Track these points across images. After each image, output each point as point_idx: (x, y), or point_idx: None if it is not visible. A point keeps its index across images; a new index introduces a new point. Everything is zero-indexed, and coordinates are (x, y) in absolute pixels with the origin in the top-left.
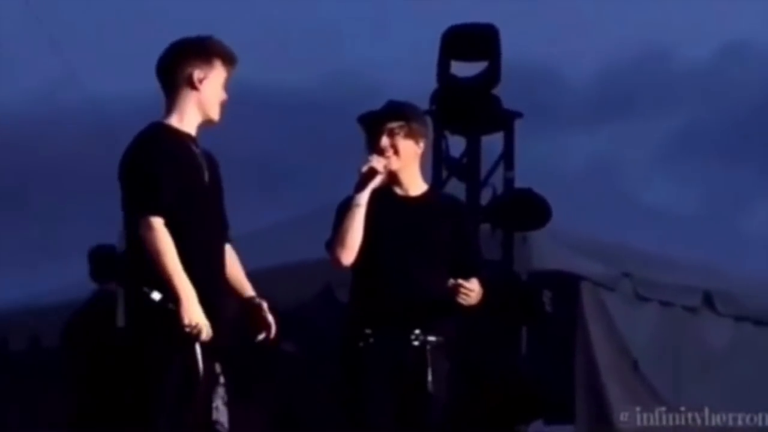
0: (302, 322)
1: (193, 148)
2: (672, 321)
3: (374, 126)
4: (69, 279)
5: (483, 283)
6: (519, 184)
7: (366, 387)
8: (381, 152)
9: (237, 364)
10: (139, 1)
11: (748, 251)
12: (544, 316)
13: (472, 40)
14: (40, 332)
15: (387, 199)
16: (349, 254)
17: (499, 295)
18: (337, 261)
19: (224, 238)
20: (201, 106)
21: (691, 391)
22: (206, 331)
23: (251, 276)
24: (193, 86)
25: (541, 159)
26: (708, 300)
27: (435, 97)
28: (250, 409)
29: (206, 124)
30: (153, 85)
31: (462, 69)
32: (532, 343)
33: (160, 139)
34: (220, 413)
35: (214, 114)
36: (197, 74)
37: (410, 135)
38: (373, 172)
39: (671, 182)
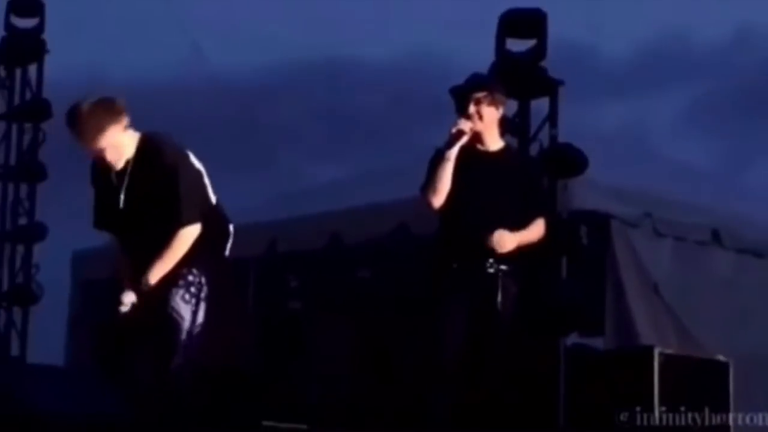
0: (381, 252)
1: (109, 180)
2: (685, 253)
3: (463, 95)
4: None
5: (547, 222)
6: (561, 139)
7: (448, 304)
8: (468, 117)
9: (322, 293)
10: None
11: (749, 195)
12: (581, 248)
13: (524, 21)
14: None
15: (471, 155)
16: (439, 198)
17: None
18: (429, 203)
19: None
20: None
21: (701, 311)
22: None
23: (345, 213)
24: None
25: (580, 119)
26: (715, 235)
27: (493, 69)
28: (336, 326)
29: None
30: (273, 58)
31: (515, 45)
32: (570, 269)
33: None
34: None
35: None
36: None
37: (492, 103)
38: (460, 133)
39: (689, 141)
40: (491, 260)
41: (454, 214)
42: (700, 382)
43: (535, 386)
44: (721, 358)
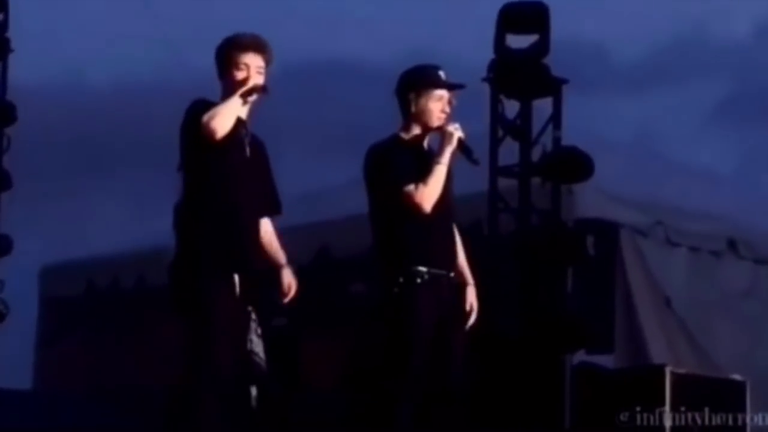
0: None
1: (240, 128)
2: (699, 264)
3: (448, 93)
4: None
5: None
6: (566, 142)
7: (420, 310)
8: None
9: (316, 308)
10: None
11: None
12: (587, 259)
13: (525, 15)
14: (146, 272)
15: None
16: (431, 204)
17: (548, 239)
18: (421, 208)
19: (262, 204)
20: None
21: (715, 326)
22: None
23: (330, 224)
24: (226, 82)
25: (586, 121)
26: (732, 245)
27: (492, 66)
28: (330, 343)
29: (256, 98)
30: None
31: (516, 41)
32: (576, 282)
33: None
34: (254, 344)
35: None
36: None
37: None
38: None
39: (706, 144)
40: (452, 274)
41: (422, 223)
42: (714, 404)
43: (539, 407)
44: (738, 377)
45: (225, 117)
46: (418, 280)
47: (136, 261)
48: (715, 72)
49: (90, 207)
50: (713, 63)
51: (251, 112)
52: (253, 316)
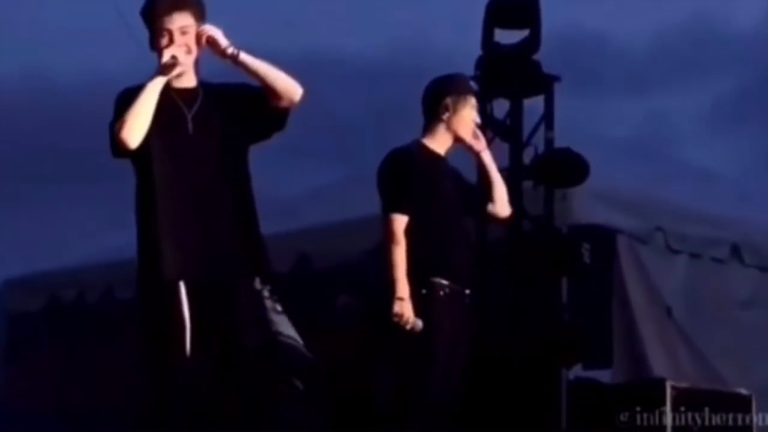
0: (359, 277)
1: (176, 103)
2: (701, 271)
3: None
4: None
5: None
6: (559, 143)
7: (441, 324)
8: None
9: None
10: None
11: None
12: (583, 267)
13: (514, 9)
14: (114, 285)
15: (444, 165)
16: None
17: (541, 247)
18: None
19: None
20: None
21: (719, 336)
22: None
23: (315, 230)
24: (156, 53)
25: (580, 120)
26: (736, 251)
27: (480, 63)
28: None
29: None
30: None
31: (505, 36)
32: (571, 292)
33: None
34: (277, 324)
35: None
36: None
37: None
38: None
39: (709, 144)
40: (467, 291)
41: (434, 227)
42: (718, 419)
43: (534, 426)
44: (743, 391)
45: (133, 127)
46: (441, 293)
47: (103, 273)
48: (723, 67)
49: (54, 216)
50: (722, 57)
51: (197, 63)
52: (266, 293)
